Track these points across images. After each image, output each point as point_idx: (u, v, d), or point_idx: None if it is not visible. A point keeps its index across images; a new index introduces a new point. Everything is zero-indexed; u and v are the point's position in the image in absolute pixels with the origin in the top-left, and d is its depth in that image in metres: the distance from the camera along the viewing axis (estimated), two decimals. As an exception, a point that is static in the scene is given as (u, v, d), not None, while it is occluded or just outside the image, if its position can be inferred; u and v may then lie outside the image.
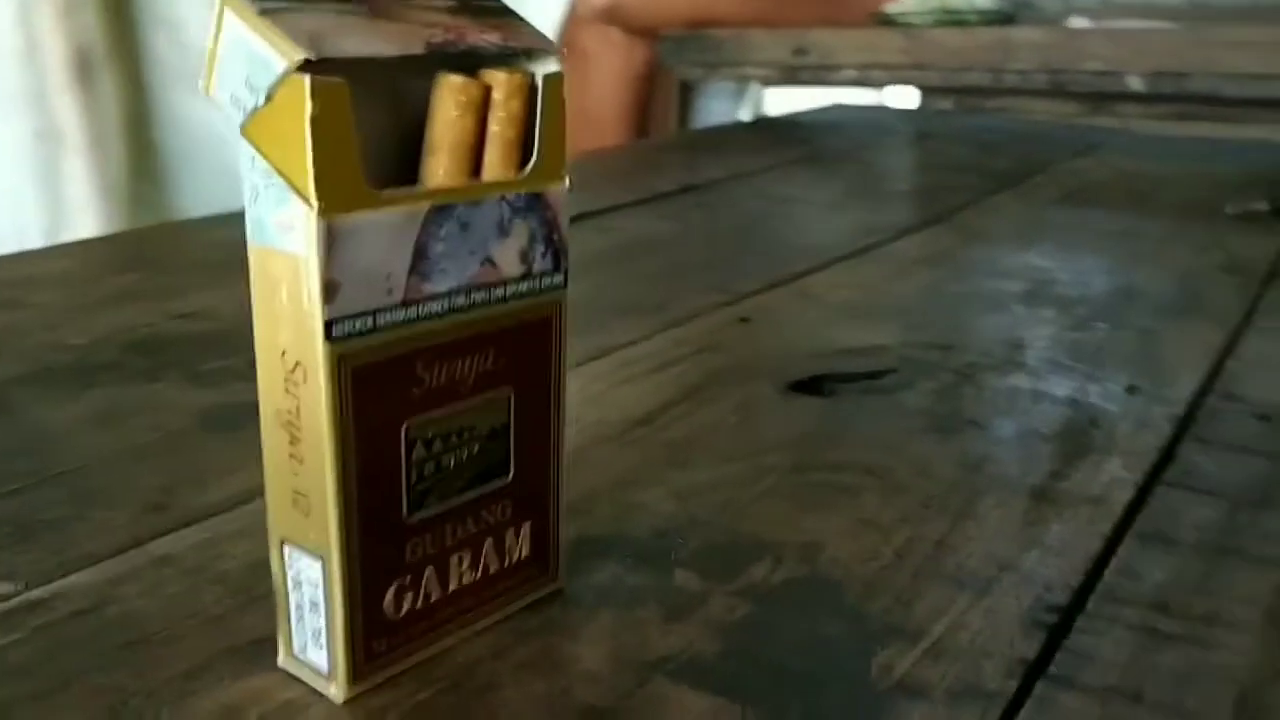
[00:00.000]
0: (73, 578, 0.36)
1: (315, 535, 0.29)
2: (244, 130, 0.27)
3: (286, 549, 0.30)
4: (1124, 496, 0.43)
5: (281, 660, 0.31)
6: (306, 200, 0.26)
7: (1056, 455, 0.47)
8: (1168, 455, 0.47)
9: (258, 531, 0.38)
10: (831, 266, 0.79)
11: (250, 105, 0.26)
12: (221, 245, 0.83)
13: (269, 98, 0.26)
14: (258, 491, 0.41)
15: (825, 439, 0.48)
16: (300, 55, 0.25)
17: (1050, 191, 1.08)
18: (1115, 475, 0.45)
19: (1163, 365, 0.59)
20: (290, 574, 0.30)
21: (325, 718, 0.29)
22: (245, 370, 0.55)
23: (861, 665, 0.32)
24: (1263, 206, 1.00)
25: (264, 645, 0.32)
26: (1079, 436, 0.49)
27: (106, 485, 0.43)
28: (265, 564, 0.32)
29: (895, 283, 0.75)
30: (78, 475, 0.43)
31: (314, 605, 0.29)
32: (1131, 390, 0.55)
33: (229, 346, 0.59)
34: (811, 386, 0.55)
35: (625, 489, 0.43)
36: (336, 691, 0.30)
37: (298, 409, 0.28)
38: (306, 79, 0.25)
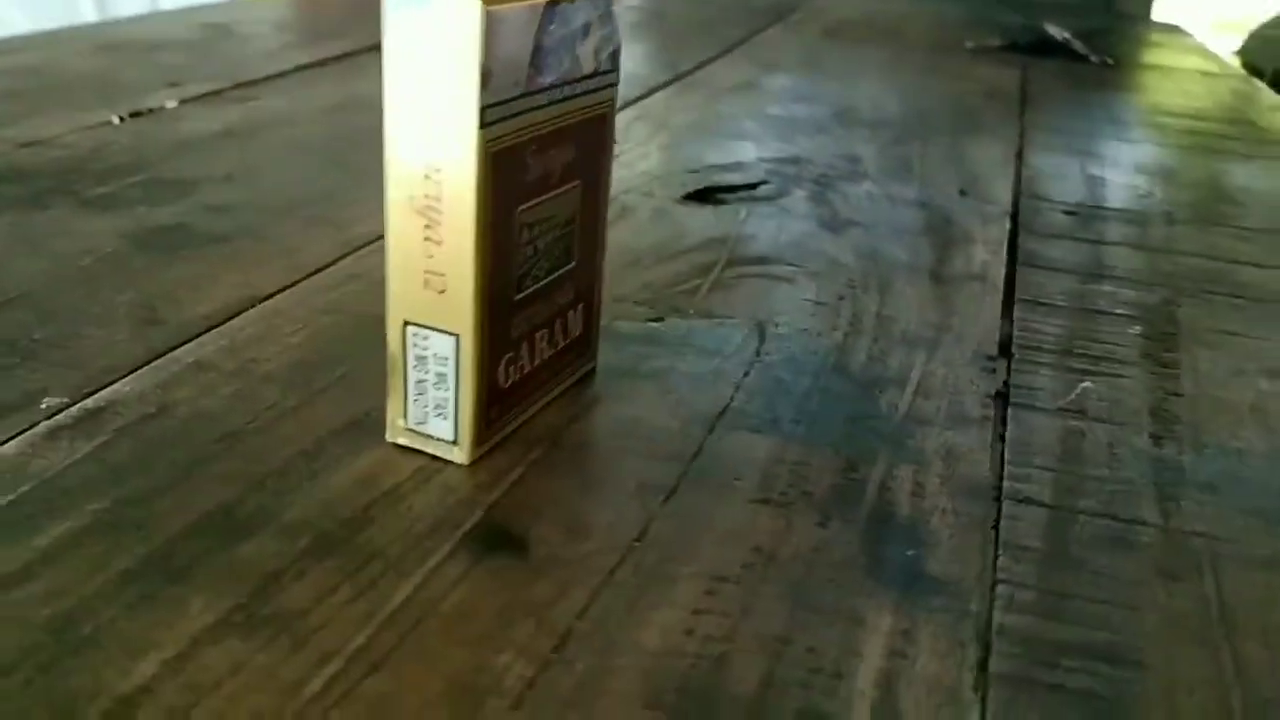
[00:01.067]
0: (115, 387, 0.36)
1: (450, 314, 0.31)
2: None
3: (410, 330, 0.32)
4: (999, 274, 0.52)
5: (392, 435, 0.33)
6: (472, -10, 0.28)
7: (933, 245, 0.55)
8: (1014, 243, 0.56)
9: (271, 337, 0.39)
10: (654, 94, 0.83)
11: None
12: (30, 71, 0.76)
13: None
14: (241, 305, 0.42)
15: (738, 241, 0.54)
16: None
17: (813, 27, 1.17)
18: (984, 259, 0.54)
19: (976, 174, 0.68)
20: (413, 352, 0.32)
21: (459, 478, 0.32)
22: (139, 195, 0.53)
23: (873, 404, 0.38)
24: (996, 42, 1.13)
25: (360, 427, 0.34)
26: (942, 231, 0.57)
27: (75, 305, 0.42)
28: (306, 363, 0.34)
29: (721, 107, 0.81)
30: (33, 299, 0.42)
31: (440, 379, 0.32)
32: (963, 194, 0.64)
33: (99, 173, 0.56)
34: (703, 197, 0.60)
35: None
36: (462, 455, 0.33)
37: (440, 193, 0.30)
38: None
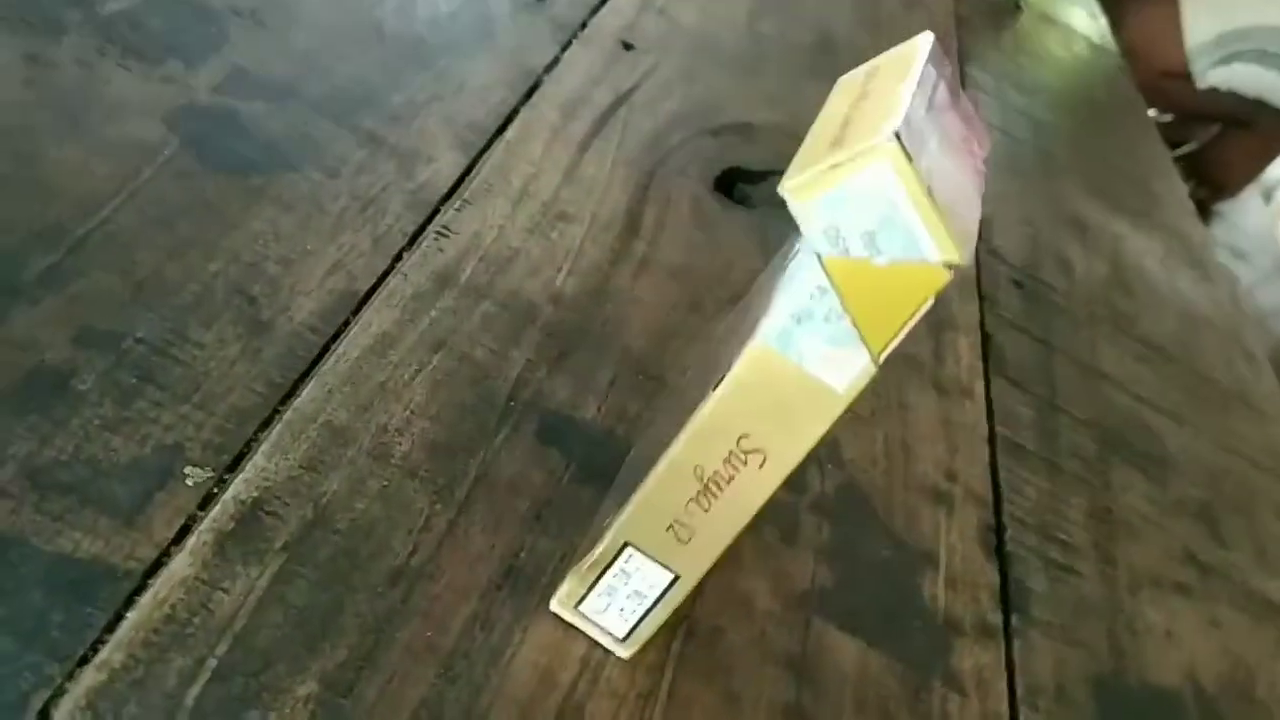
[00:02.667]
0: (257, 462, 0.33)
1: (683, 561, 0.31)
2: (832, 265, 0.26)
3: (630, 550, 0.32)
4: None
5: (559, 606, 0.34)
6: (874, 360, 0.27)
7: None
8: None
9: (392, 388, 0.37)
10: None
11: (857, 251, 0.26)
12: None
13: (890, 261, 0.25)
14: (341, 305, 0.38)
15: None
16: (955, 259, 0.25)
17: None
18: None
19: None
20: (622, 564, 0.32)
21: (618, 670, 0.33)
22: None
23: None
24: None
25: (517, 578, 0.34)
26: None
27: (161, 267, 0.36)
28: (439, 447, 0.33)
29: None
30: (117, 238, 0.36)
31: (638, 595, 0.32)
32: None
33: None
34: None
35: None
36: (625, 652, 0.34)
37: (731, 480, 0.30)
38: (944, 280, 0.25)
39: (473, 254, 0.44)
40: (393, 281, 0.41)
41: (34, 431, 0.30)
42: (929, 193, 0.25)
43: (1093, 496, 0.54)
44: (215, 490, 0.32)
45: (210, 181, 0.41)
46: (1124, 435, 0.60)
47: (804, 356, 0.27)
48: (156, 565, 0.29)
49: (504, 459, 0.37)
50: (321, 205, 0.42)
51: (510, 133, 0.52)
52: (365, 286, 0.40)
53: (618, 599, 0.33)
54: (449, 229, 0.45)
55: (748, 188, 0.60)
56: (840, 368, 0.27)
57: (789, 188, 0.26)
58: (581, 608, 0.34)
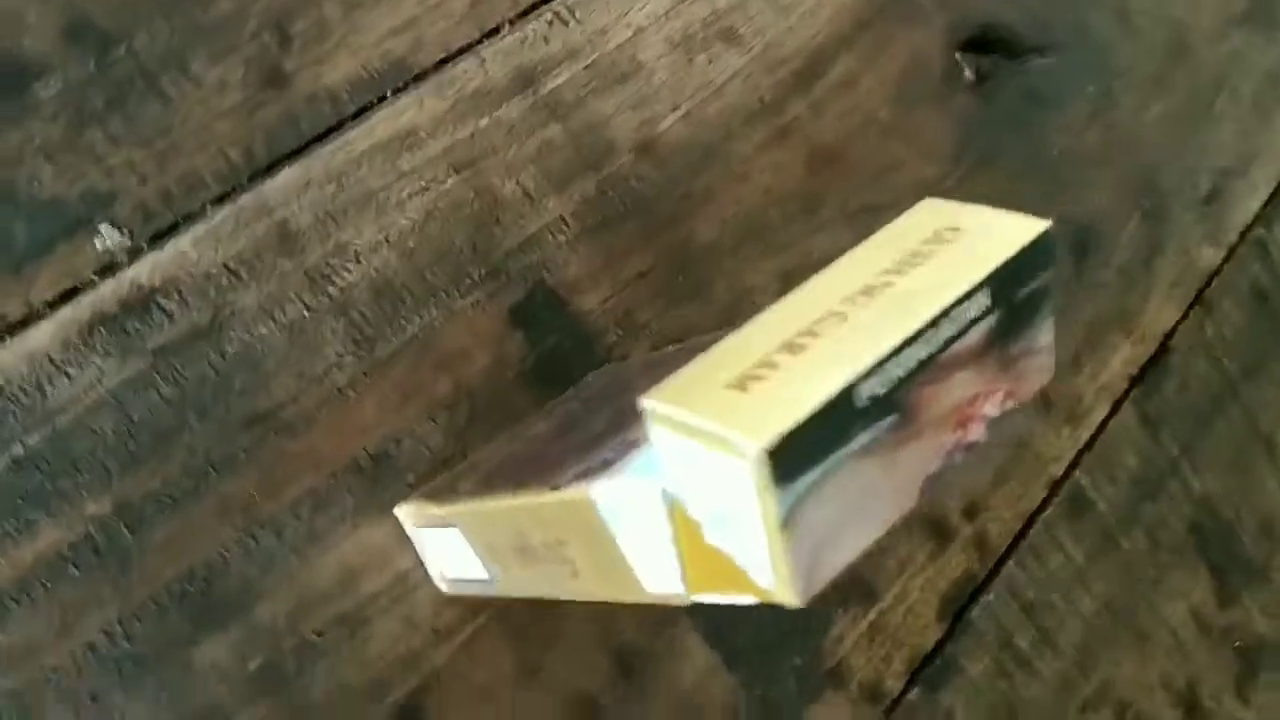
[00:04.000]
0: (183, 240, 0.31)
1: (503, 580, 0.29)
2: (674, 507, 0.21)
3: (459, 532, 0.30)
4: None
5: (402, 514, 0.33)
6: (688, 597, 0.22)
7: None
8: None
9: (381, 208, 0.34)
10: None
11: (696, 514, 0.21)
12: None
13: (722, 548, 0.20)
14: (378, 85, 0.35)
15: None
16: (785, 599, 0.20)
17: None
18: (1109, 386, 0.49)
19: None
20: (452, 536, 0.30)
21: (429, 601, 0.33)
22: None
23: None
24: None
25: (380, 467, 0.33)
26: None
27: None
28: (392, 291, 0.31)
29: None
30: None
31: (464, 564, 0.31)
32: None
33: None
34: None
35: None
36: (447, 588, 0.33)
37: (548, 560, 0.27)
38: (775, 599, 0.20)
39: (580, 57, 0.38)
40: (463, 64, 0.36)
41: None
42: (785, 525, 0.19)
43: (1130, 590, 0.48)
44: (120, 261, 0.30)
45: None
46: (1227, 537, 0.52)
47: (626, 541, 0.23)
48: (16, 326, 0.29)
49: (454, 328, 0.35)
50: (434, -61, 0.36)
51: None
52: (426, 62, 0.36)
53: (449, 551, 0.32)
54: (573, 13, 0.39)
55: (1000, 62, 0.49)
56: (655, 577, 0.23)
57: (651, 402, 0.20)
58: (419, 531, 0.32)
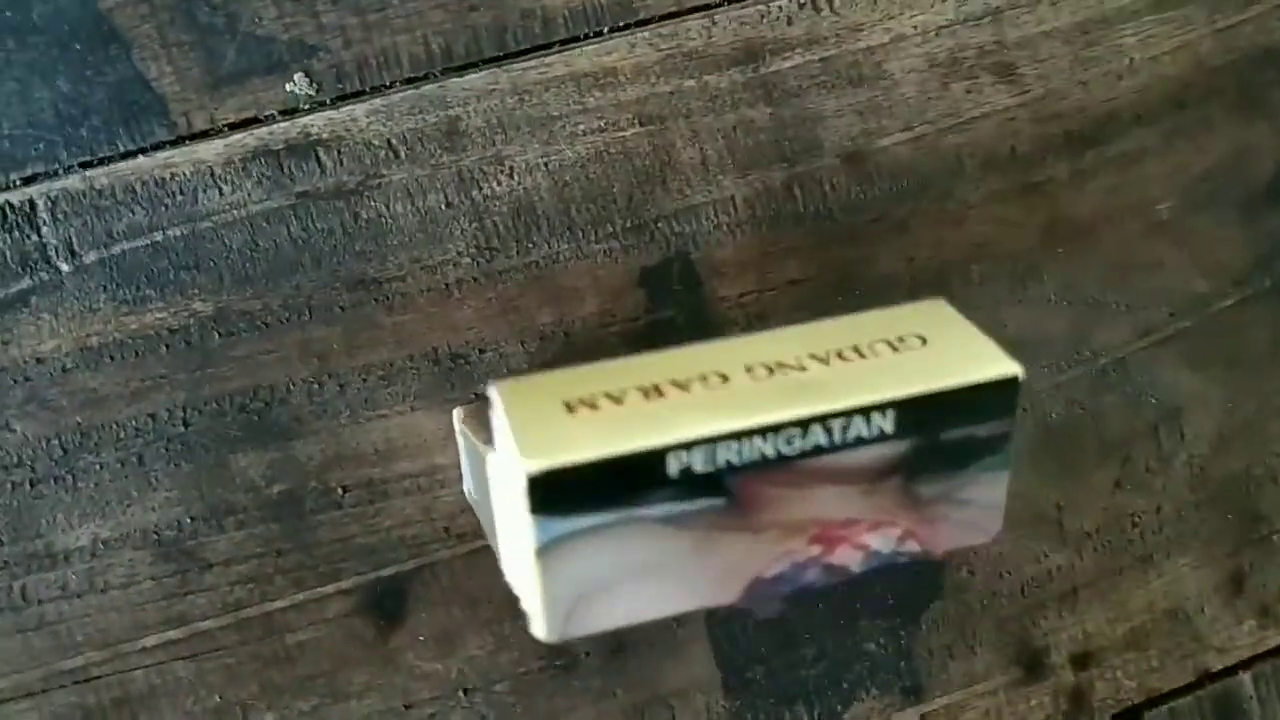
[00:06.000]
0: (370, 105, 0.34)
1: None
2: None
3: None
4: None
5: (457, 416, 0.34)
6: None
7: None
8: None
9: (552, 131, 0.35)
10: None
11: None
12: None
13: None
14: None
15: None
16: (538, 629, 0.19)
17: None
18: None
19: None
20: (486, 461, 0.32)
21: (449, 499, 0.35)
22: None
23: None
24: None
25: (459, 367, 0.34)
26: None
27: None
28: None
29: None
30: None
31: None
32: None
33: None
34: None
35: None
36: (469, 494, 0.34)
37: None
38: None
39: (820, 47, 0.37)
40: (691, 21, 0.36)
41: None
42: (541, 555, 0.19)
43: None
44: (301, 108, 0.34)
45: None
46: None
47: (499, 509, 0.23)
48: (197, 135, 0.33)
49: (578, 267, 0.35)
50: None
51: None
52: (656, 9, 0.36)
53: (472, 469, 0.33)
54: (832, 2, 0.37)
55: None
56: (510, 552, 0.23)
57: (490, 388, 0.20)
58: (463, 439, 0.34)
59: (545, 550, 0.18)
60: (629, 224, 0.36)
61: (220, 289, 0.33)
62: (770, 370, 0.20)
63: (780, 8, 0.37)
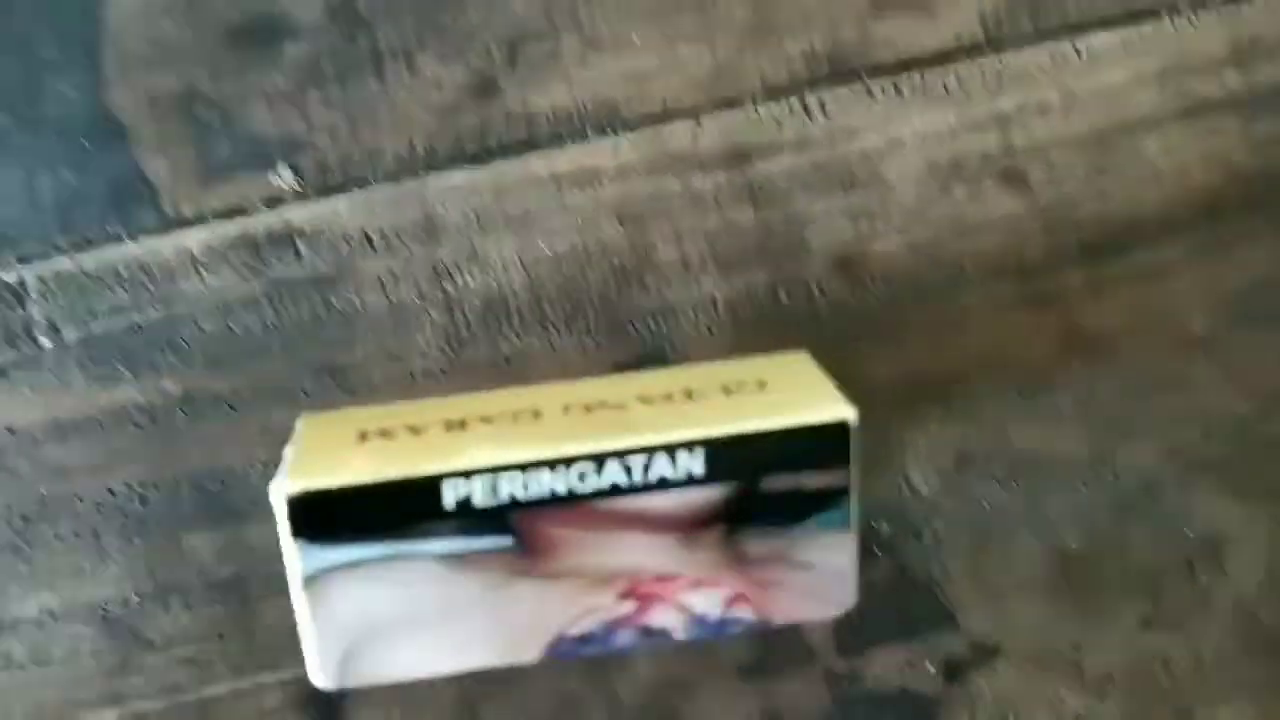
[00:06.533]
0: (377, 192, 0.35)
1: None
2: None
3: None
4: None
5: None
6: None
7: None
8: None
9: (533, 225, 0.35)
10: None
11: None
12: None
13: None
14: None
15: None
16: (312, 673, 0.18)
17: None
18: None
19: None
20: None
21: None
22: None
23: None
24: None
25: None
26: None
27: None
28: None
29: None
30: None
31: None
32: None
33: None
34: None
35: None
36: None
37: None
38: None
39: (810, 149, 0.36)
40: (678, 124, 0.36)
41: (245, 66, 0.35)
42: (309, 586, 0.17)
43: None
44: (284, 199, 0.35)
45: None
46: None
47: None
48: (182, 222, 0.34)
49: (549, 362, 0.35)
50: None
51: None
52: (641, 112, 0.36)
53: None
54: (824, 107, 0.36)
55: None
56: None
57: (301, 418, 0.19)
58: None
59: (313, 582, 0.17)
60: (604, 321, 0.35)
61: (190, 370, 0.34)
62: (589, 409, 0.19)
63: (769, 112, 0.36)
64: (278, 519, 0.18)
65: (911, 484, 0.36)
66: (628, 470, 0.17)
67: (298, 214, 0.35)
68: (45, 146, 0.34)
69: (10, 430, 0.33)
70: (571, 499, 0.17)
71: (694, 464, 0.17)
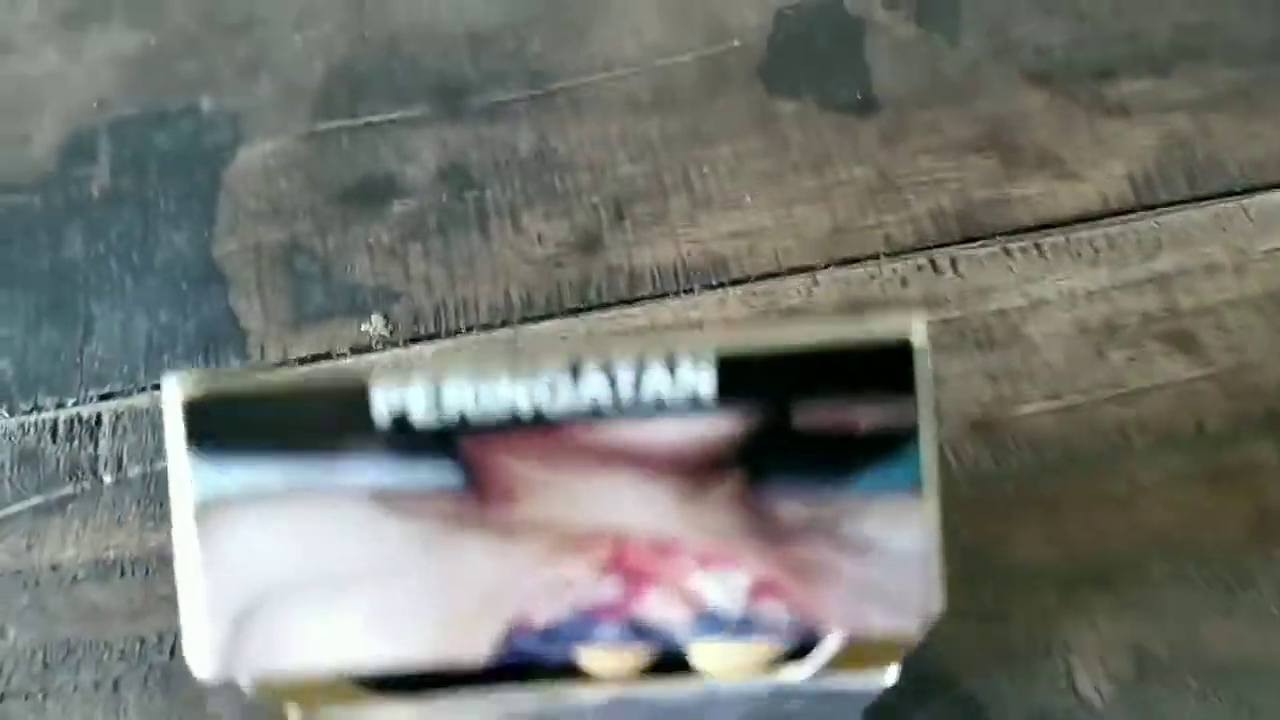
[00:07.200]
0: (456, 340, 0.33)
1: None
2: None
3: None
4: None
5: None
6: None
7: None
8: None
9: None
10: None
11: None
12: None
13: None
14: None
15: None
16: (192, 655, 0.14)
17: None
18: None
19: None
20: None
21: None
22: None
23: None
24: None
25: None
26: None
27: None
28: None
29: None
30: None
31: None
32: None
33: None
34: None
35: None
36: None
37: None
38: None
39: (940, 308, 0.33)
40: (792, 281, 0.33)
41: (351, 221, 0.35)
42: (202, 515, 0.14)
43: None
44: (374, 347, 0.33)
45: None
46: None
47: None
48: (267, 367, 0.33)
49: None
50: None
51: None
52: (751, 270, 0.33)
53: None
54: (955, 265, 0.33)
55: None
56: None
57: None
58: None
59: (206, 511, 0.13)
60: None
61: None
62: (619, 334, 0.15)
63: (895, 270, 0.33)
64: (169, 427, 0.15)
65: (1079, 692, 0.29)
66: (612, 383, 0.13)
67: (381, 359, 0.33)
68: (148, 292, 0.34)
69: (54, 567, 0.31)
70: (538, 422, 0.13)
71: (701, 381, 0.13)
